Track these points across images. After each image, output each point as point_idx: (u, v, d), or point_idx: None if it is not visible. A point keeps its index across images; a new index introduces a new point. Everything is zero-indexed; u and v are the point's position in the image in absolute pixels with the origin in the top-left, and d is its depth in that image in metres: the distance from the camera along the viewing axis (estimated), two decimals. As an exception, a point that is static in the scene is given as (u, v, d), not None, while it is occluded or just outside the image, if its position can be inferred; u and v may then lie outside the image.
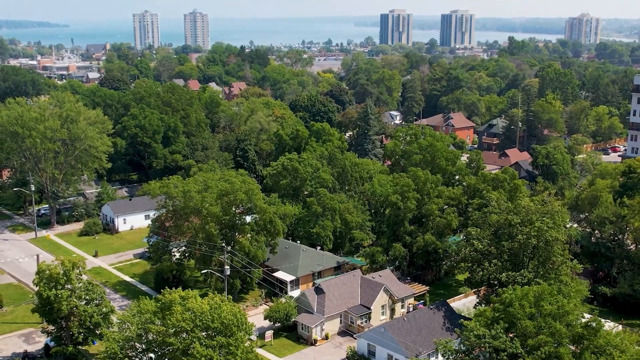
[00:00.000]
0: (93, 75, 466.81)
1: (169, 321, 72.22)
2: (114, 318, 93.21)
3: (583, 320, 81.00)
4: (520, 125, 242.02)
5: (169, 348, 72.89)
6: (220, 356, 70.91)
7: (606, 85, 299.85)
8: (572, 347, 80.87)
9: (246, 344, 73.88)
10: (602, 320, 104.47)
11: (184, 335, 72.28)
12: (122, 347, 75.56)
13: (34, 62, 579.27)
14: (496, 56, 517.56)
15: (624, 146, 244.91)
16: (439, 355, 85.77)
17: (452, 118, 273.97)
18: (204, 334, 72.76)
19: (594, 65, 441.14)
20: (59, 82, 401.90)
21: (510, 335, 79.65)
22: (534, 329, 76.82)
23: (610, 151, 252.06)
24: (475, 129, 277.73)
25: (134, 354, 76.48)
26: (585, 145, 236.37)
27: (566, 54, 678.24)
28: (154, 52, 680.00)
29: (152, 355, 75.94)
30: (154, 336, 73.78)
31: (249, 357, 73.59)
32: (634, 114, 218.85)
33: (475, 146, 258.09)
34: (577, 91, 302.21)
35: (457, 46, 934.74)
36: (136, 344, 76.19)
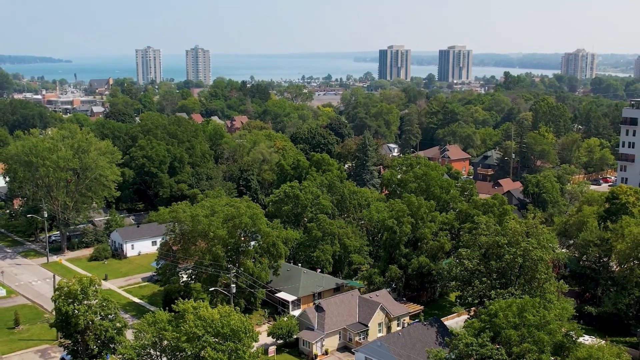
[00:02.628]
0: (97, 109, 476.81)
1: (182, 328, 78.96)
2: (127, 334, 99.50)
3: (563, 330, 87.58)
4: (514, 157, 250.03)
5: (182, 354, 79.50)
6: (229, 359, 77.48)
7: (597, 118, 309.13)
8: (554, 358, 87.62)
9: (252, 350, 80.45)
10: (587, 336, 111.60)
11: (196, 341, 78.85)
12: (139, 354, 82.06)
13: (39, 97, 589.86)
14: (492, 91, 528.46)
15: (615, 177, 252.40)
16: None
17: (448, 150, 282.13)
18: (214, 339, 79.26)
19: (588, 100, 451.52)
20: (64, 115, 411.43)
21: (497, 346, 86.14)
22: (517, 338, 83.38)
23: (601, 182, 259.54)
24: (470, 160, 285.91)
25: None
26: (578, 176, 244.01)
27: (562, 88, 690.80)
28: (157, 86, 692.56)
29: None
30: (168, 342, 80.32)
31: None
32: (623, 145, 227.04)
33: (471, 177, 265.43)
34: (569, 124, 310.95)
35: (455, 81, 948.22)
36: (151, 350, 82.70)
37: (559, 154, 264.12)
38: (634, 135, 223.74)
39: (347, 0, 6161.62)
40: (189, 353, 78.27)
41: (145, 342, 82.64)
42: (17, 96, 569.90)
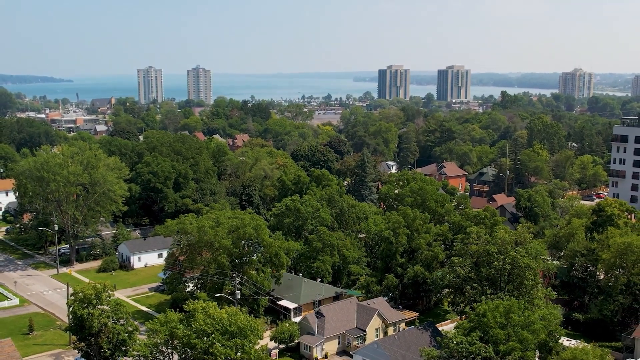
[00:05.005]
0: (100, 127, 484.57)
1: (192, 326, 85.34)
2: (140, 337, 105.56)
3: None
4: (508, 173, 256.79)
5: (192, 350, 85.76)
6: (237, 355, 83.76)
7: (591, 136, 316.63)
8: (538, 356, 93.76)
9: (257, 347, 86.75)
10: (574, 340, 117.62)
11: (205, 338, 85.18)
12: (152, 351, 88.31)
13: (43, 116, 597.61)
14: (490, 110, 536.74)
15: (607, 193, 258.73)
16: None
17: (445, 167, 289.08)
18: (222, 336, 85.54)
19: (583, 118, 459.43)
20: (68, 134, 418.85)
21: (485, 344, 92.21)
22: (504, 337, 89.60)
23: (595, 198, 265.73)
24: (467, 177, 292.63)
25: (161, 358, 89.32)
26: (571, 192, 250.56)
27: (559, 107, 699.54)
28: (158, 106, 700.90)
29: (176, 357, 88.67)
30: (179, 340, 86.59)
31: (260, 356, 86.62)
32: (614, 162, 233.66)
33: (467, 193, 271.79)
34: (563, 142, 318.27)
35: (454, 100, 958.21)
36: (163, 348, 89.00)
37: (553, 170, 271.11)
38: (624, 152, 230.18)
39: (347, 20, 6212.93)
40: (199, 349, 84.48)
41: (158, 341, 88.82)
42: (20, 115, 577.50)
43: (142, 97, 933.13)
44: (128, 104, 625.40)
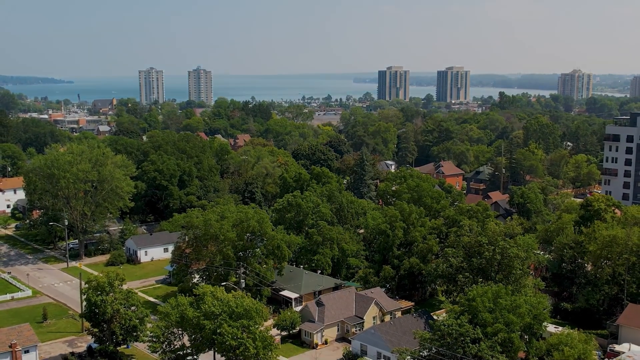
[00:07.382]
0: (103, 128, 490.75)
1: (202, 308, 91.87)
2: (149, 325, 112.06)
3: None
4: (504, 172, 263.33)
5: (202, 331, 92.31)
6: (243, 335, 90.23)
7: (586, 136, 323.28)
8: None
9: (261, 328, 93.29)
10: (561, 328, 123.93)
11: (214, 319, 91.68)
12: (164, 333, 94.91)
13: (45, 116, 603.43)
14: (488, 110, 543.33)
15: (600, 191, 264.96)
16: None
17: (442, 166, 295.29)
18: (229, 318, 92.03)
19: (580, 119, 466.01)
20: (72, 134, 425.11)
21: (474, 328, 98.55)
22: (491, 320, 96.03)
23: (589, 196, 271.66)
24: (464, 176, 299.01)
25: (172, 339, 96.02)
26: (565, 190, 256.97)
27: (557, 108, 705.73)
28: (160, 107, 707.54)
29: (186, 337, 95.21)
30: (190, 321, 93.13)
31: (264, 336, 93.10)
32: (607, 161, 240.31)
33: (464, 192, 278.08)
34: (558, 141, 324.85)
35: (453, 101, 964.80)
36: (174, 329, 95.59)
37: (548, 169, 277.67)
38: (616, 151, 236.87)
39: (347, 22, 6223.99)
40: (208, 330, 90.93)
41: (170, 322, 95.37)
42: (23, 116, 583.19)
43: (143, 98, 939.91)
44: (130, 105, 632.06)
